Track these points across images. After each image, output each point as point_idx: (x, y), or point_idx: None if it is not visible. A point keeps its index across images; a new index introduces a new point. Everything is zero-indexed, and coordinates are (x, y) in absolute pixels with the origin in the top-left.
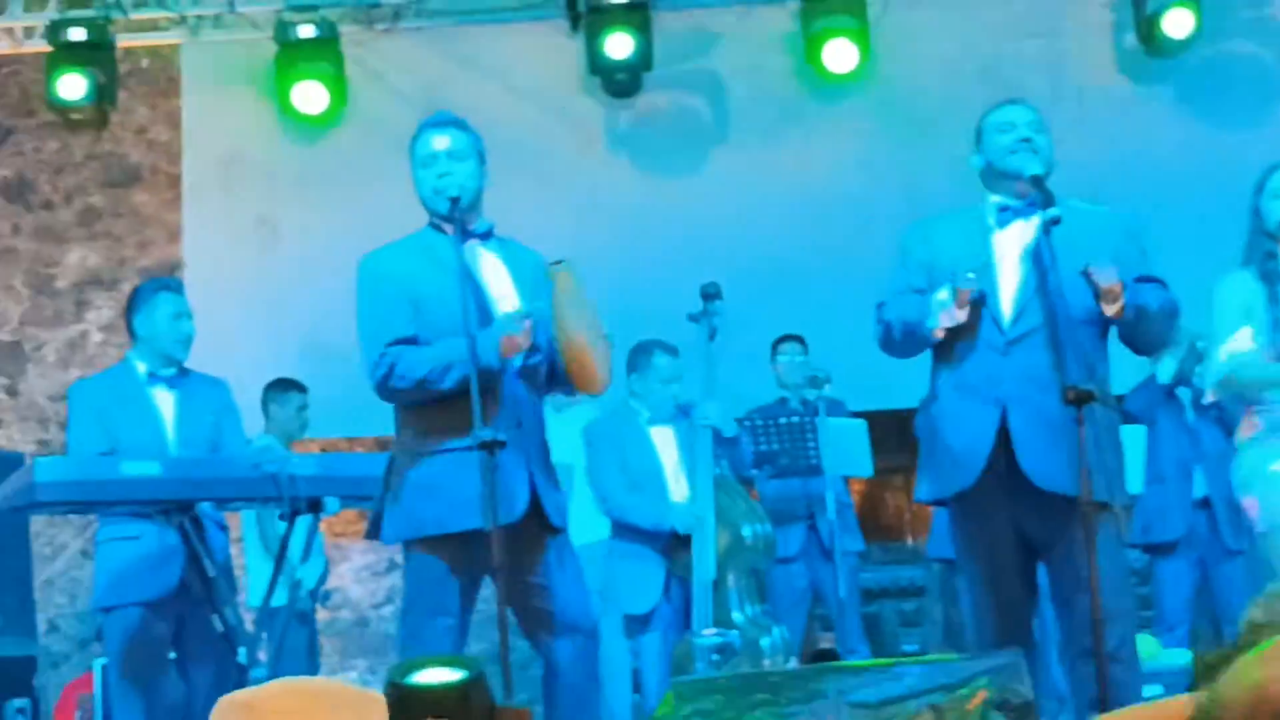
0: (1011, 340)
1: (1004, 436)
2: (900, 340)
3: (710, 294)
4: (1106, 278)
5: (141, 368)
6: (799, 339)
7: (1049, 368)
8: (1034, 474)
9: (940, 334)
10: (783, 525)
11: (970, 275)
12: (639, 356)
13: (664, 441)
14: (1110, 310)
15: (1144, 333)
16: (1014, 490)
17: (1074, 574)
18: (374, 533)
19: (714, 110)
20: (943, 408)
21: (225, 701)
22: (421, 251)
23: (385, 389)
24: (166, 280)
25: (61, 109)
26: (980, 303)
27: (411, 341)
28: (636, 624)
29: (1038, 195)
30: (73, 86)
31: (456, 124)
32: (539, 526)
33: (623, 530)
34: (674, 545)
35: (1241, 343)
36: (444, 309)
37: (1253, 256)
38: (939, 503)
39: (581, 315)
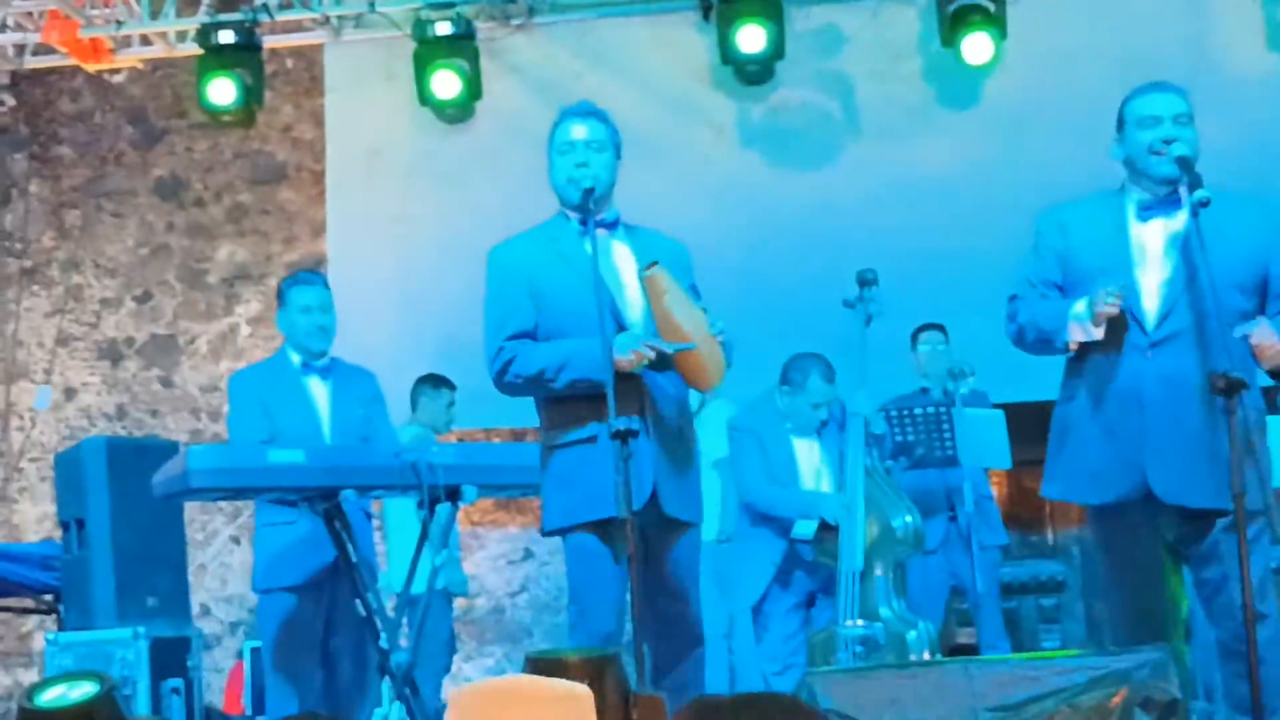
0: (1155, 342)
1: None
2: (1032, 343)
3: (867, 280)
4: (1263, 336)
5: (295, 359)
6: (940, 327)
7: (1194, 371)
8: (1166, 494)
9: (1074, 347)
10: (923, 518)
11: (1111, 295)
12: (794, 373)
13: (805, 450)
14: (1268, 366)
15: None
16: (1154, 499)
17: (1220, 576)
18: (543, 527)
19: (844, 106)
20: (1081, 409)
21: (465, 691)
22: (548, 242)
23: (501, 383)
24: (301, 274)
25: (212, 112)
26: (1119, 320)
27: (531, 335)
28: (746, 613)
29: (1186, 178)
30: (222, 90)
31: (597, 114)
32: (660, 519)
33: (754, 516)
34: (824, 536)
35: None
36: (567, 302)
37: None
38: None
39: (684, 316)
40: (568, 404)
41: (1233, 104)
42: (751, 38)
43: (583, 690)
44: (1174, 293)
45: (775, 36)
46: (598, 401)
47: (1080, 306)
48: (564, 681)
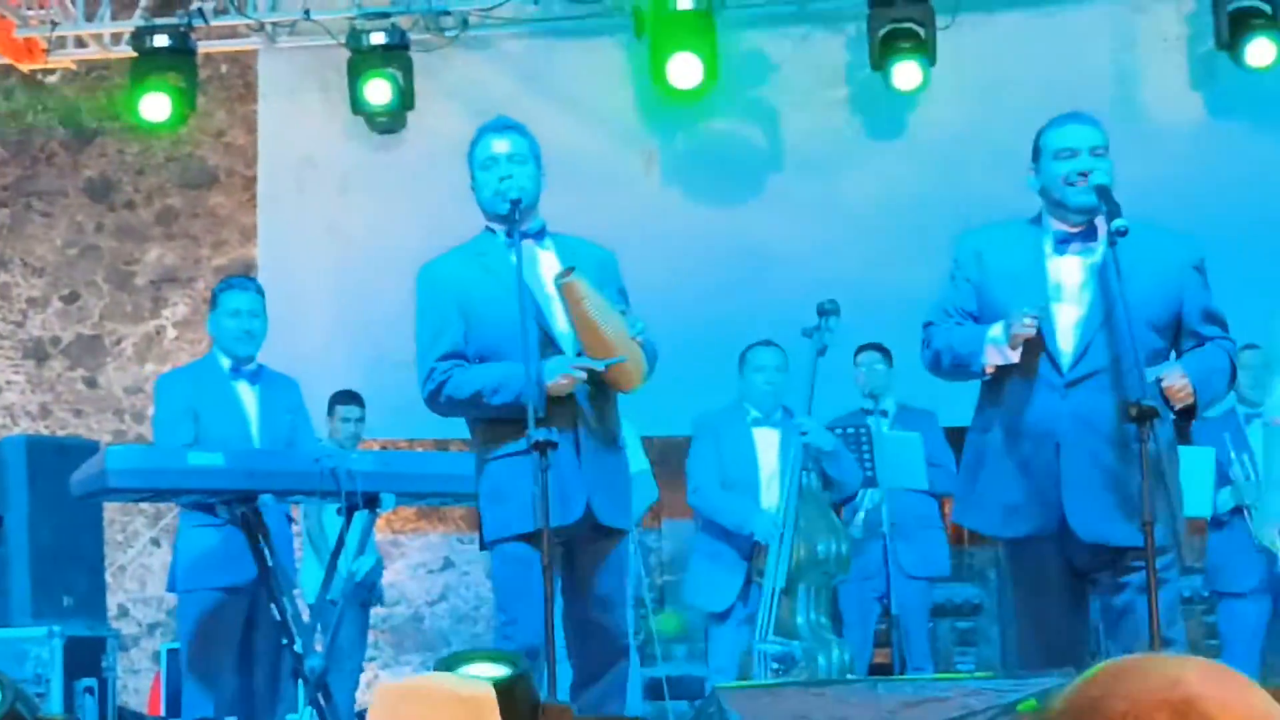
0: (1071, 382)
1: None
2: (948, 369)
3: (827, 310)
4: (1173, 380)
5: (225, 363)
6: (879, 348)
7: (1108, 410)
8: (1081, 529)
9: (990, 370)
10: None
11: (1027, 320)
12: (742, 358)
13: (766, 443)
14: (1178, 407)
15: (1205, 406)
16: (1066, 533)
17: (1127, 605)
18: (482, 544)
19: (770, 134)
20: (995, 442)
21: (385, 689)
22: (476, 257)
23: (434, 404)
24: (235, 279)
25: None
26: (1036, 343)
27: (462, 353)
28: (715, 620)
29: (1104, 208)
30: (156, 105)
31: (516, 128)
32: (593, 529)
33: (709, 526)
34: (757, 550)
35: None
36: (496, 316)
37: None
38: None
39: (603, 321)
40: (498, 417)
41: (1155, 140)
42: (686, 68)
43: (486, 691)
44: (1089, 331)
45: (710, 66)
46: (527, 414)
47: (997, 330)
48: (470, 681)
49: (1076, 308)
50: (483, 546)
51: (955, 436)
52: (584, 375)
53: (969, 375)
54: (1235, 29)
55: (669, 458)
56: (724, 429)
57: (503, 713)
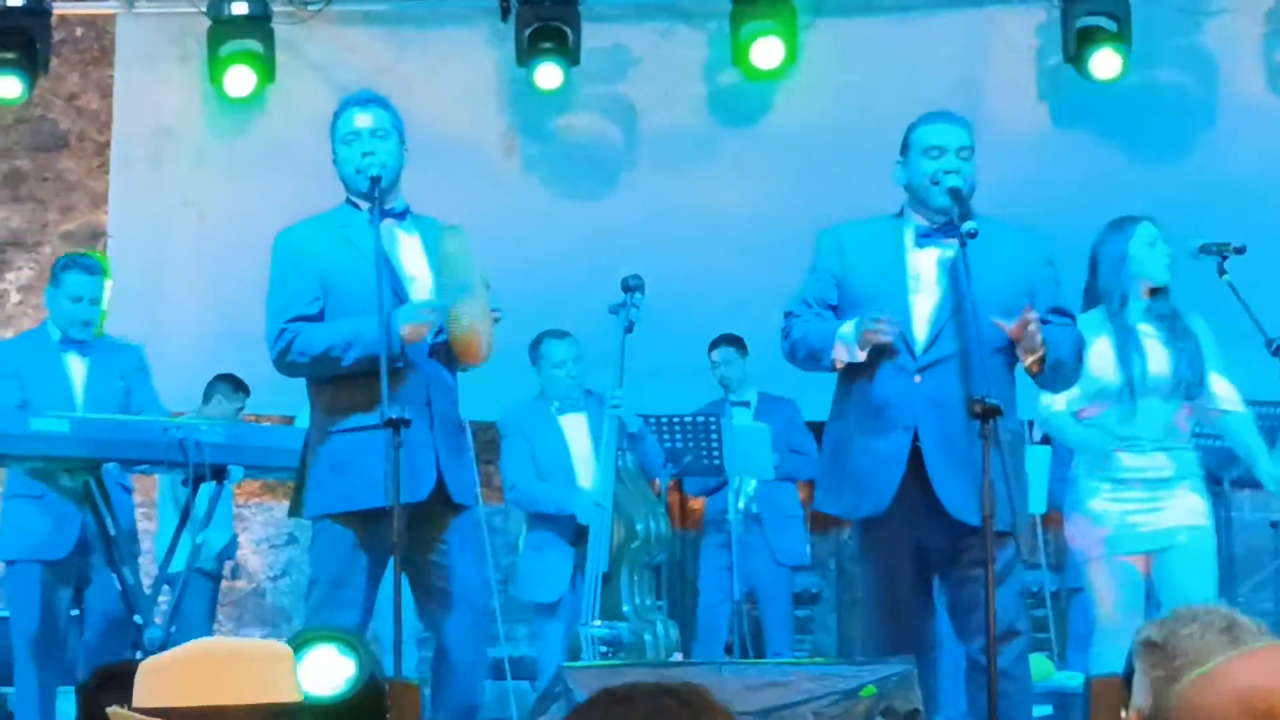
0: (923, 367)
1: (914, 461)
2: (802, 360)
3: (631, 286)
4: (1029, 316)
5: (56, 333)
6: (733, 340)
7: (959, 396)
8: (949, 503)
9: (839, 366)
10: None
11: (882, 325)
12: (532, 350)
13: (575, 430)
14: (1028, 361)
15: (1056, 379)
16: (921, 513)
17: (972, 594)
18: (295, 510)
19: (628, 129)
20: (851, 428)
21: (145, 665)
22: (336, 229)
23: (283, 363)
24: (80, 259)
25: None
26: (886, 346)
27: (315, 319)
28: (543, 612)
29: (956, 211)
30: (7, 86)
31: (379, 102)
32: (444, 505)
33: (534, 520)
34: (582, 536)
35: (1060, 401)
36: (355, 288)
37: (1103, 308)
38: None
39: (467, 281)
40: (347, 390)
41: (1002, 149)
42: (548, 76)
43: (282, 648)
44: (942, 319)
45: (567, 72)
46: (377, 389)
47: (848, 328)
48: (261, 641)
49: (930, 297)
50: (306, 515)
51: (816, 430)
52: (435, 319)
53: (820, 368)
54: (1082, 42)
55: None
56: (530, 422)
57: (356, 699)
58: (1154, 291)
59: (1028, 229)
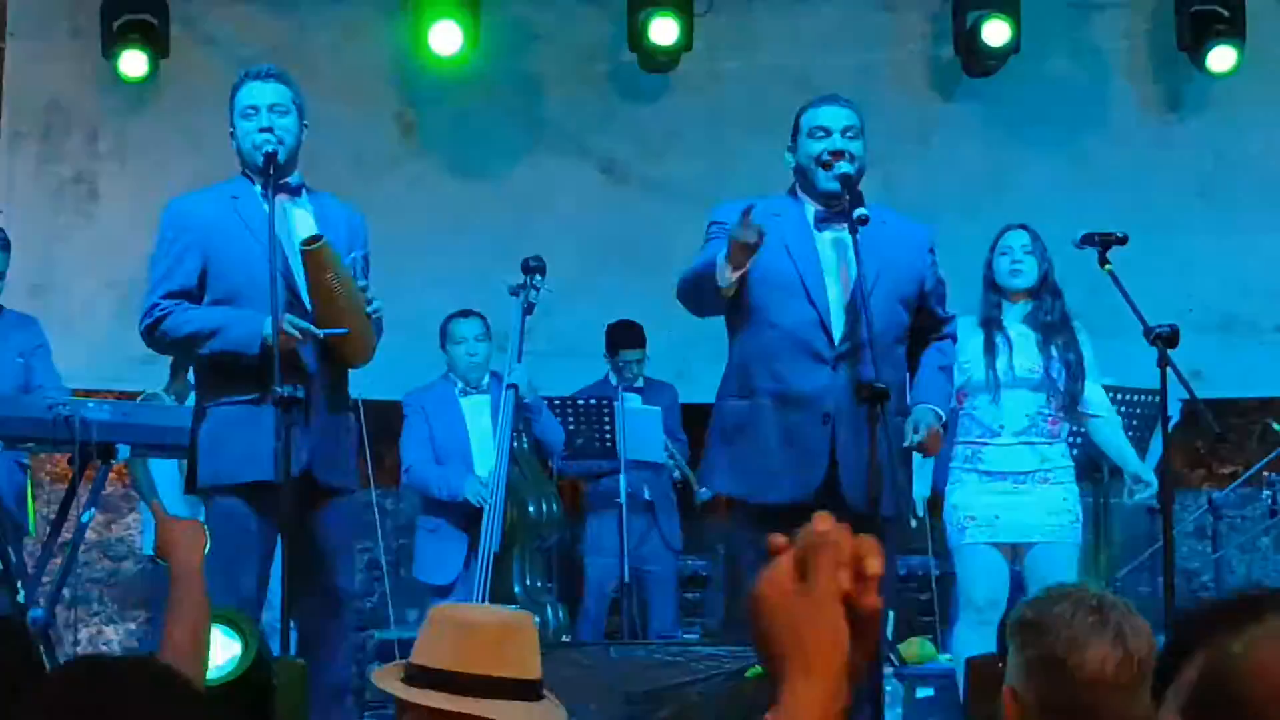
0: (840, 355)
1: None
2: (693, 289)
3: (532, 267)
4: (925, 436)
5: None
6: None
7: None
8: (850, 493)
9: (733, 277)
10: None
11: (751, 229)
12: (441, 331)
13: (475, 412)
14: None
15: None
16: (821, 502)
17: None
18: (188, 487)
19: (530, 107)
20: (759, 410)
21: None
22: (228, 201)
23: (149, 338)
24: None
25: None
26: (807, 315)
27: (191, 294)
28: (437, 594)
29: (847, 195)
30: None
31: (280, 76)
32: (313, 487)
33: (429, 503)
34: (476, 520)
35: None
36: (243, 264)
37: (981, 306)
38: (731, 498)
39: (343, 293)
40: (229, 365)
41: (892, 136)
42: (446, 35)
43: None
44: (855, 307)
45: (470, 35)
46: (262, 365)
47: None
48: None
49: (840, 284)
50: (190, 489)
51: (690, 413)
52: (300, 338)
53: (712, 292)
54: (1198, 34)
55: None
56: (432, 403)
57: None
58: (1033, 293)
59: (909, 217)
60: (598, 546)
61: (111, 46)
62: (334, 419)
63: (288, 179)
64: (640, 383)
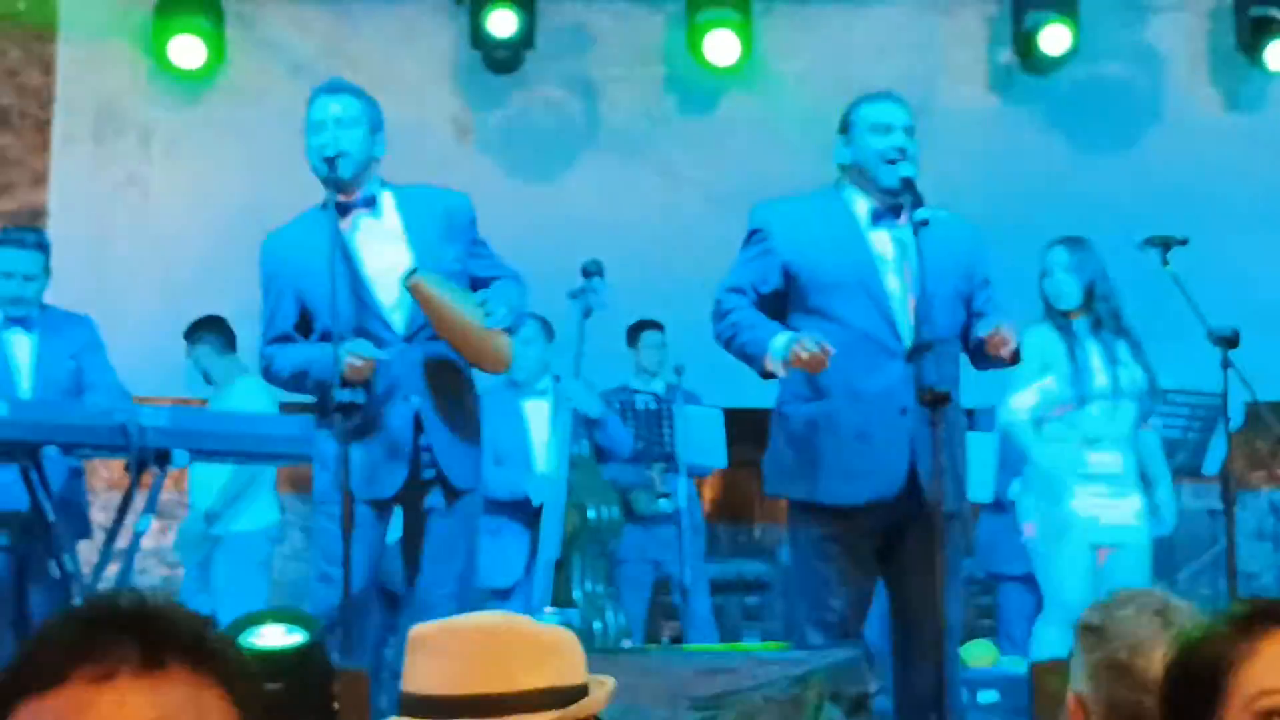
0: (908, 351)
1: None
2: (734, 354)
3: (591, 271)
4: (1004, 336)
5: None
6: (659, 325)
7: (936, 380)
8: (930, 493)
9: (783, 373)
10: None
11: (813, 347)
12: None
13: (537, 416)
14: (1004, 353)
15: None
16: (905, 497)
17: (921, 581)
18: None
19: (586, 110)
20: (833, 411)
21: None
22: (308, 233)
23: (275, 382)
24: (10, 232)
25: None
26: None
27: (289, 338)
28: (498, 598)
29: (910, 197)
30: None
31: (349, 89)
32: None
33: (489, 505)
34: (536, 520)
35: (1024, 399)
36: (320, 292)
37: (1051, 321)
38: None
39: (456, 316)
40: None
41: (952, 138)
42: (502, 22)
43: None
44: (923, 304)
45: (526, 23)
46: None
47: (781, 340)
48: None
49: (900, 280)
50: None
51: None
52: (361, 364)
53: (755, 369)
54: (1257, 32)
55: None
56: (491, 405)
57: (296, 677)
58: (1084, 308)
59: (959, 216)
60: (632, 551)
61: (164, 46)
62: (456, 416)
63: (357, 192)
64: (668, 380)
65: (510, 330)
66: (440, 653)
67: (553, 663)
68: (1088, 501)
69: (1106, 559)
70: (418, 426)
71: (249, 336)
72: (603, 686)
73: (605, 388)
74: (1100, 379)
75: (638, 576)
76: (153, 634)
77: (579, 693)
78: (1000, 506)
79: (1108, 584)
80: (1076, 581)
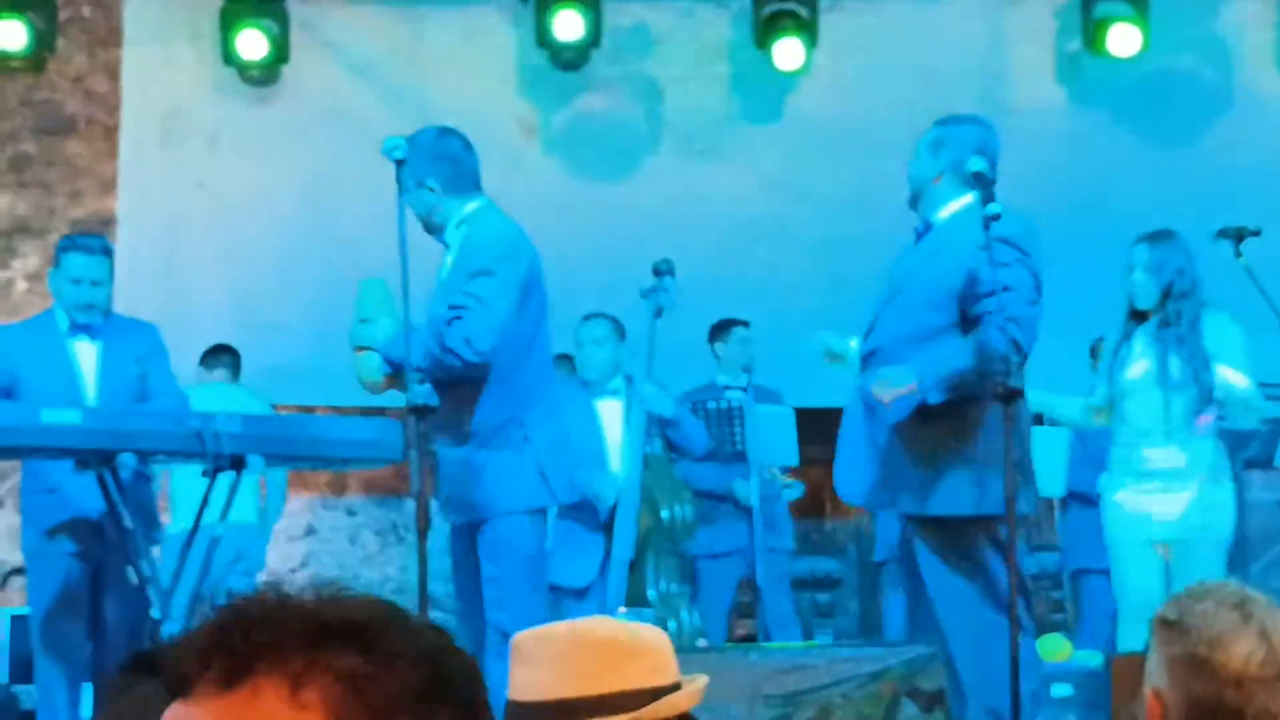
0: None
1: None
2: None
3: (662, 270)
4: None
5: (63, 319)
6: (745, 323)
7: None
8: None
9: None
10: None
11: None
12: (580, 329)
13: (610, 415)
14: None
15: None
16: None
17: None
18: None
19: (650, 110)
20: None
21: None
22: None
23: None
24: (80, 239)
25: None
26: None
27: None
28: (571, 597)
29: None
30: (12, 33)
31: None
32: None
33: (563, 506)
34: (611, 520)
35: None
36: None
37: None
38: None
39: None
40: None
41: (1020, 131)
42: (569, 23)
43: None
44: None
45: (592, 24)
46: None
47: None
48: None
49: None
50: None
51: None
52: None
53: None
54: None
55: None
56: (566, 406)
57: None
58: (1158, 308)
59: (961, 215)
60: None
61: (230, 49)
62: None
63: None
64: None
65: None
66: (533, 661)
67: (642, 663)
68: (1139, 498)
69: (1172, 554)
70: None
71: (310, 335)
72: (693, 683)
73: (686, 387)
74: (1143, 371)
75: (724, 571)
76: (240, 648)
77: (668, 692)
78: (1087, 500)
79: (1180, 579)
80: (1137, 577)
